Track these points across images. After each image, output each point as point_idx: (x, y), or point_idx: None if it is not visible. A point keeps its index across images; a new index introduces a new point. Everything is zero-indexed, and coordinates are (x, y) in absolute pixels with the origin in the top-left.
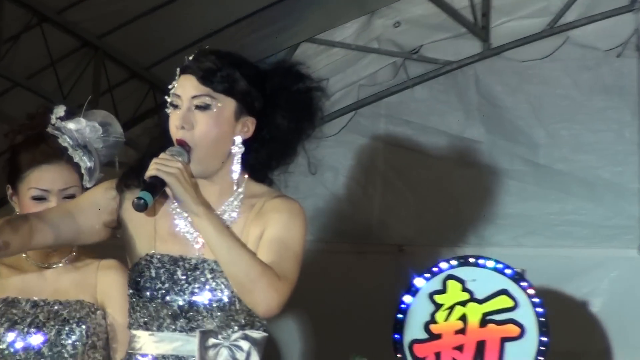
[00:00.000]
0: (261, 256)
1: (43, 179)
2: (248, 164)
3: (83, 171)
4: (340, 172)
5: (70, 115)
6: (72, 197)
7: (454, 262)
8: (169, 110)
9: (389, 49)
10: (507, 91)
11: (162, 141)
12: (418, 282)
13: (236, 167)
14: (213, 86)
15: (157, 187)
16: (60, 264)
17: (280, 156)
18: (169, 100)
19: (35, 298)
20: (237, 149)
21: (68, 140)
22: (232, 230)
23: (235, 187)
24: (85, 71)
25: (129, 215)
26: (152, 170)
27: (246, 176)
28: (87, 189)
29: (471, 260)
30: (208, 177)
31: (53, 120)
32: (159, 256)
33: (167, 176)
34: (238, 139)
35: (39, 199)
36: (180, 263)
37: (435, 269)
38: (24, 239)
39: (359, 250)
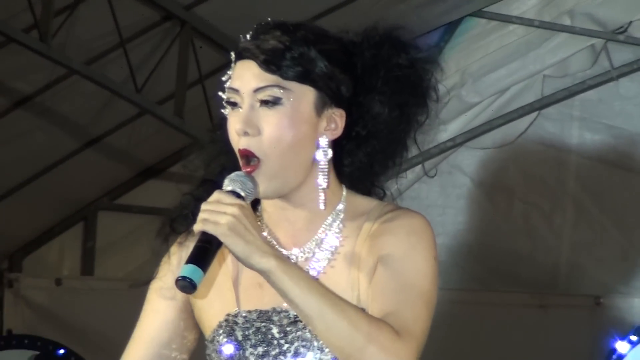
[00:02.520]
0: (373, 305)
1: None
2: (343, 173)
3: None
4: (516, 195)
5: None
6: None
7: None
8: (227, 111)
9: (586, 26)
10: None
11: (223, 160)
12: (621, 347)
13: (323, 178)
14: (281, 72)
15: (209, 252)
16: None
17: (384, 156)
18: (224, 97)
19: None
20: (323, 154)
21: None
22: (323, 283)
23: (329, 205)
24: (167, 54)
25: None
26: (198, 224)
27: (344, 189)
28: None
29: None
30: (288, 196)
31: None
32: (244, 314)
33: (217, 228)
34: (323, 140)
35: None
36: (275, 318)
37: None
38: None
39: (540, 302)
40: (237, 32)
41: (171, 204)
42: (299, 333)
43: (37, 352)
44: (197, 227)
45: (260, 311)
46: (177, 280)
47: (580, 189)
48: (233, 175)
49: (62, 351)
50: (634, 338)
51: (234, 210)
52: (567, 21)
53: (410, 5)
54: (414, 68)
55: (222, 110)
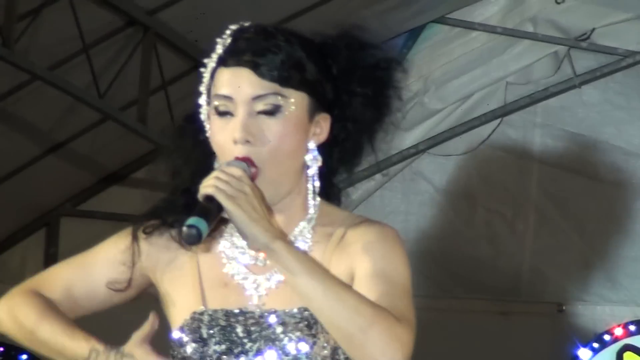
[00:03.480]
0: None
1: None
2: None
3: None
4: (478, 202)
5: None
6: None
7: (632, 328)
8: (206, 118)
9: (549, 33)
10: None
11: (193, 166)
12: (583, 354)
13: (314, 184)
14: (279, 78)
15: (212, 213)
16: None
17: (351, 157)
18: (204, 103)
19: None
20: (313, 159)
21: None
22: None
23: (303, 211)
24: (130, 60)
25: (159, 268)
26: (209, 187)
27: (317, 195)
28: None
29: None
30: (276, 202)
31: None
32: (210, 312)
33: (229, 201)
34: (312, 146)
35: None
36: (240, 318)
37: (606, 337)
38: None
39: (502, 310)
40: (201, 38)
41: (135, 210)
42: (262, 333)
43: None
44: (208, 190)
45: (227, 311)
46: (182, 229)
47: (543, 196)
48: (232, 162)
49: (24, 356)
50: (596, 345)
51: (245, 187)
52: (530, 28)
53: (373, 11)
54: (388, 69)
55: (202, 117)
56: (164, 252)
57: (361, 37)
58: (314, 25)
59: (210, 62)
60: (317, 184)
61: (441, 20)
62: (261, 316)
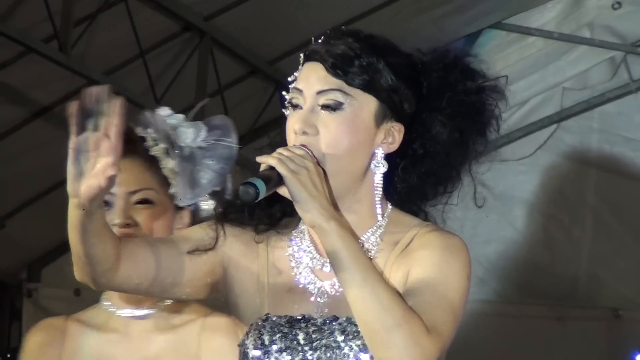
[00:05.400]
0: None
1: None
2: (392, 189)
3: (166, 172)
4: (535, 208)
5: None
6: (146, 202)
7: None
8: (287, 112)
9: (605, 39)
10: None
11: None
12: None
13: (378, 190)
14: (347, 78)
15: (272, 181)
16: (153, 312)
17: (436, 180)
18: (288, 97)
19: None
20: (377, 166)
21: (150, 131)
22: (374, 261)
23: (373, 218)
24: (187, 64)
25: (233, 264)
26: (272, 159)
27: (389, 204)
28: (177, 207)
29: None
30: (338, 199)
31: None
32: (274, 318)
33: (289, 174)
34: (380, 152)
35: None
36: (303, 324)
37: None
38: (111, 255)
39: (559, 314)
40: (257, 43)
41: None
42: (323, 341)
43: None
44: (270, 161)
45: (290, 317)
46: (239, 187)
47: (600, 202)
48: (297, 146)
49: None
50: None
51: (308, 163)
52: (586, 33)
53: (430, 17)
54: (480, 95)
55: (284, 111)
56: (241, 247)
57: (465, 62)
58: (370, 31)
59: (302, 58)
60: (380, 189)
61: (498, 26)
62: (323, 323)
